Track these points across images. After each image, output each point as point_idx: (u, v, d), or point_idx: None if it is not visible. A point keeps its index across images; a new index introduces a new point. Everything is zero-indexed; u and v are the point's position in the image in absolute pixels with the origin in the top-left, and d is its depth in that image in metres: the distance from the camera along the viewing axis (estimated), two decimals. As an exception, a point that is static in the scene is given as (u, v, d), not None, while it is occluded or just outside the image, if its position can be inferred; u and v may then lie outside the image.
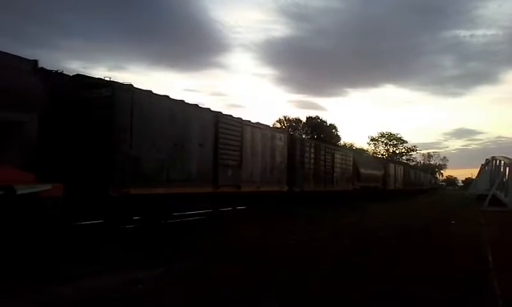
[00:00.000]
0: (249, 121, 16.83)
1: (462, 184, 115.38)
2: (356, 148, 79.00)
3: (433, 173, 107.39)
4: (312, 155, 22.99)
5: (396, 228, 15.79)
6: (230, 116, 15.65)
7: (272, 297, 6.06)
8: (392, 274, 7.76)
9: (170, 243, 10.54)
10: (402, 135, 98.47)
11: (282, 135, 19.73)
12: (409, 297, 6.22)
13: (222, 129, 14.63)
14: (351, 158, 29.78)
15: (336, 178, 26.34)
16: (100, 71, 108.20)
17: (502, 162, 32.07)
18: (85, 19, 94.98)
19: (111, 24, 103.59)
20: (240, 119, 16.25)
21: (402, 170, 49.61)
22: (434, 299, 6.16)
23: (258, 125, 17.53)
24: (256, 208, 17.83)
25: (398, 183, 46.13)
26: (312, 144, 23.80)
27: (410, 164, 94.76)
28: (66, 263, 7.57)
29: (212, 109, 14.40)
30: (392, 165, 44.76)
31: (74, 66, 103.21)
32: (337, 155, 26.90)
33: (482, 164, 50.52)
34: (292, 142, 20.81)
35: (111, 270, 7.21)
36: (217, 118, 14.57)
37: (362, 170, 31.58)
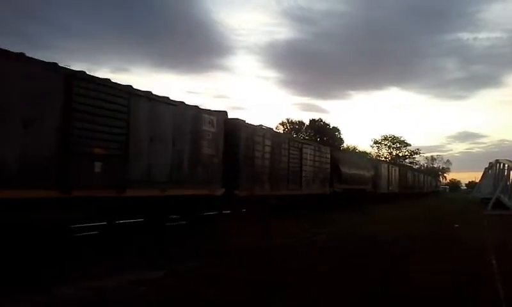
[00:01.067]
0: (148, 92, 11.23)
1: (465, 187, 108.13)
2: (359, 151, 78.60)
3: (436, 176, 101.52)
4: (268, 149, 17.48)
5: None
6: (107, 79, 10.00)
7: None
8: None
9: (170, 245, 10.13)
10: (405, 138, 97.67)
11: (214, 118, 13.91)
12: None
13: (81, 98, 9.12)
14: (328, 155, 24.25)
15: (305, 179, 20.93)
16: (103, 73, 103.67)
17: (506, 165, 31.69)
18: (88, 20, 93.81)
19: (114, 26, 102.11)
20: (129, 86, 10.61)
21: (397, 171, 44.03)
22: (437, 304, 6.00)
23: (166, 100, 11.90)
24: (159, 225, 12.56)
25: (392, 185, 40.96)
26: (268, 134, 17.89)
27: (412, 166, 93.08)
28: (68, 264, 7.40)
29: (61, 65, 8.88)
30: (384, 166, 39.62)
31: (77, 67, 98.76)
32: (307, 151, 21.45)
33: (485, 168, 49.56)
34: (232, 128, 15.24)
35: (114, 272, 6.98)
36: (71, 79, 8.96)
37: (344, 170, 26.04)
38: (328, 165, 23.85)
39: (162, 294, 5.80)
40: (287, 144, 19.38)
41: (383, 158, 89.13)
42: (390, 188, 39.69)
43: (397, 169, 44.47)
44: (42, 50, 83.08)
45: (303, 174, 20.70)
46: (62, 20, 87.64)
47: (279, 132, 23.00)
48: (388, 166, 40.68)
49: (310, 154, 21.73)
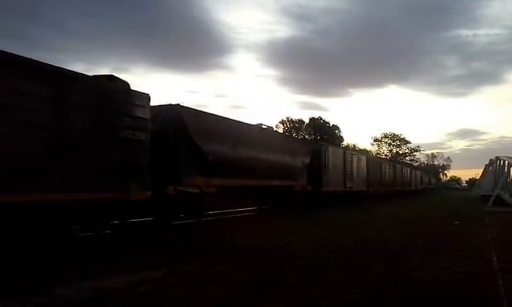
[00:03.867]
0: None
1: (466, 185, 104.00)
2: (359, 149, 74.36)
3: (431, 172, 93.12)
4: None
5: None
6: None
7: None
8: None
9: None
10: (405, 136, 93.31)
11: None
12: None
13: None
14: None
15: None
16: (102, 73, 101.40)
17: (506, 162, 30.35)
18: (87, 21, 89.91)
19: (113, 25, 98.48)
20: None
21: (363, 162, 30.07)
22: (435, 300, 5.72)
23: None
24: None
25: (354, 181, 27.28)
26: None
27: (412, 163, 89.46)
28: (68, 265, 7.23)
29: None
30: (336, 153, 24.80)
31: (77, 68, 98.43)
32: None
33: (486, 164, 47.07)
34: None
35: (115, 272, 6.82)
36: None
37: (211, 147, 13.22)
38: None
39: (163, 294, 5.62)
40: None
41: (383, 156, 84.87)
42: (349, 184, 26.18)
43: (363, 159, 31.29)
44: (42, 51, 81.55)
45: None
46: (61, 20, 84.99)
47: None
48: (344, 153, 26.48)
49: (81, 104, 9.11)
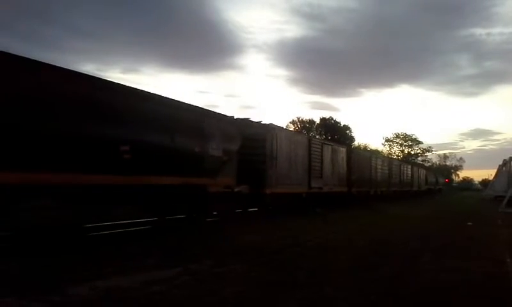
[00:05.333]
0: None
1: (480, 187, 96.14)
2: (371, 149, 72.65)
3: (438, 171, 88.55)
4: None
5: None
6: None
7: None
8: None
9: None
10: (417, 136, 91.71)
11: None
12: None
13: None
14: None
15: None
16: (113, 74, 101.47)
17: None
18: (98, 21, 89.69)
19: (124, 26, 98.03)
20: None
21: (342, 155, 23.15)
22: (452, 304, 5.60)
23: None
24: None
25: (325, 179, 20.54)
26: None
27: (423, 163, 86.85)
28: (81, 264, 7.01)
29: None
30: (294, 140, 18.02)
31: (88, 68, 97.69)
32: None
33: (499, 165, 43.46)
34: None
35: (128, 271, 6.65)
36: None
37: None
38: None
39: (176, 293, 5.47)
40: None
41: (395, 157, 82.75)
42: (316, 184, 19.56)
43: (341, 151, 23.41)
44: (53, 52, 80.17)
45: None
46: (72, 21, 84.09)
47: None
48: (309, 142, 19.31)
49: None
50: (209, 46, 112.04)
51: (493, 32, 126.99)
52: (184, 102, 11.44)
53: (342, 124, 68.88)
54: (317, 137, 56.14)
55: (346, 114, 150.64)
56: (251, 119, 15.77)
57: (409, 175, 42.51)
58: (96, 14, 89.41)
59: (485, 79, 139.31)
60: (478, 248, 10.02)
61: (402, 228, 14.40)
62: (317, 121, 68.60)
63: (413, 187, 43.83)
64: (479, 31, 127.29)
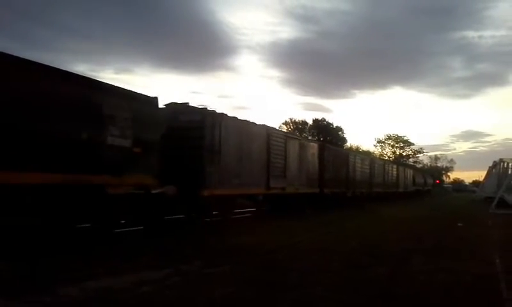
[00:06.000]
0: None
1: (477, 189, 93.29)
2: (363, 151, 72.04)
3: (429, 172, 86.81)
4: None
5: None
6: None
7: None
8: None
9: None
10: (409, 138, 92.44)
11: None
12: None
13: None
14: None
15: None
16: (106, 74, 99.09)
17: (510, 164, 30.83)
18: (91, 21, 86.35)
19: (117, 26, 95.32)
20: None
21: (312, 151, 20.20)
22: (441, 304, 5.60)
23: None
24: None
25: (290, 179, 17.38)
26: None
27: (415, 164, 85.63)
28: (72, 265, 6.86)
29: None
30: (246, 130, 14.58)
31: (81, 68, 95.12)
32: None
33: (489, 166, 44.70)
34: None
35: (119, 272, 6.51)
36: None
37: None
38: None
39: (167, 294, 5.40)
40: None
41: (387, 158, 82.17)
42: (277, 184, 16.43)
43: (311, 147, 20.43)
44: (46, 52, 76.88)
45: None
46: (64, 21, 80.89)
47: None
48: (269, 137, 16.20)
49: None
50: (203, 47, 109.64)
51: (485, 35, 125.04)
52: (66, 70, 8.38)
53: (335, 125, 68.67)
54: (305, 136, 54.23)
55: (339, 115, 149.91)
56: (189, 104, 12.74)
57: (395, 175, 39.06)
58: (89, 14, 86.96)
59: (477, 81, 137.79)
60: (468, 249, 9.97)
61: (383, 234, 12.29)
62: (310, 122, 68.27)
63: (399, 188, 40.49)
64: (471, 34, 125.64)
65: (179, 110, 12.31)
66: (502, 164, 33.84)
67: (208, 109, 12.68)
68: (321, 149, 21.72)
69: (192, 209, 12.45)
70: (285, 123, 67.91)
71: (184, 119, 12.03)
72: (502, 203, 25.71)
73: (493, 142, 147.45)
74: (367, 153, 72.17)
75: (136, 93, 10.05)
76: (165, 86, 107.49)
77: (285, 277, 6.55)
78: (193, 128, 12.13)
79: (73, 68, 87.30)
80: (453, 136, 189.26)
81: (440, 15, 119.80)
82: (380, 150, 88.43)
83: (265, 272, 6.89)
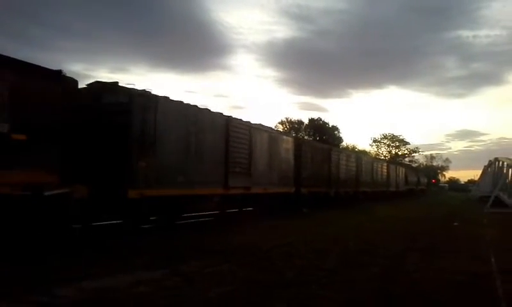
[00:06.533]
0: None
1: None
2: (358, 149, 71.50)
3: (431, 172, 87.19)
4: None
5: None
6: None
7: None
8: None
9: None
10: (404, 137, 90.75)
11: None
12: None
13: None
14: None
15: None
16: (101, 73, 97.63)
17: (505, 163, 30.04)
18: (86, 21, 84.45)
19: (113, 26, 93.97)
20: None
21: (287, 147, 17.88)
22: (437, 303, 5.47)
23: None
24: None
25: (255, 177, 15.03)
26: None
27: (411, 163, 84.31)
28: (68, 265, 6.70)
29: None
30: (200, 117, 12.35)
31: (76, 68, 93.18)
32: None
33: (485, 166, 45.32)
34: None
35: (116, 272, 6.34)
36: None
37: None
38: None
39: (164, 294, 5.27)
40: None
41: (382, 157, 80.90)
42: (235, 183, 13.87)
43: (287, 141, 18.05)
44: (41, 51, 75.13)
45: None
46: (61, 20, 79.58)
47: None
48: (229, 123, 13.90)
49: None
50: (198, 46, 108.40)
51: (480, 35, 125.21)
52: None
53: (331, 125, 68.05)
54: (301, 135, 52.41)
55: (335, 114, 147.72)
56: (117, 83, 10.22)
57: (384, 174, 35.85)
58: (84, 14, 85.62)
59: (472, 81, 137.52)
60: (464, 248, 9.89)
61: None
62: (306, 121, 67.66)
63: (390, 187, 37.47)
64: (466, 33, 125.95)
65: (103, 90, 9.90)
66: (497, 163, 33.57)
67: (137, 89, 10.25)
68: (297, 144, 19.30)
69: (116, 214, 10.05)
70: (281, 123, 67.07)
71: (107, 101, 9.64)
72: (498, 202, 25.44)
73: (488, 142, 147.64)
74: (365, 152, 70.97)
75: (18, 61, 7.59)
76: (161, 85, 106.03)
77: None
78: (118, 113, 9.72)
79: (68, 67, 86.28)
80: (448, 135, 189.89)
81: (435, 15, 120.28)
82: (376, 149, 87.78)
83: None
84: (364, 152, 70.63)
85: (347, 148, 65.21)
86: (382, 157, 79.28)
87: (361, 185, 28.58)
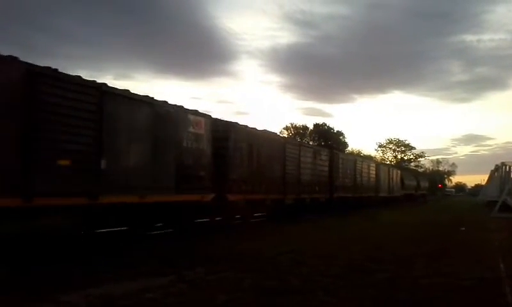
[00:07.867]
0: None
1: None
2: (364, 154, 69.45)
3: (437, 176, 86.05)
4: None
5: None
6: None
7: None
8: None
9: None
10: (410, 142, 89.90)
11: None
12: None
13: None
14: None
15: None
16: (106, 80, 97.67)
17: None
18: (91, 28, 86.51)
19: (117, 32, 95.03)
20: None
21: (201, 133, 11.87)
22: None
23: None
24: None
25: (190, 179, 11.15)
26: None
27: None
28: (74, 272, 6.68)
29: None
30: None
31: (80, 74, 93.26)
32: None
33: (491, 170, 44.20)
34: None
35: (122, 278, 6.30)
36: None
37: None
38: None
39: (170, 301, 5.22)
40: None
41: (388, 162, 79.02)
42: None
43: (199, 122, 11.74)
44: (46, 59, 77.30)
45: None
46: (65, 27, 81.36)
47: None
48: (182, 114, 11.11)
49: None
50: (202, 52, 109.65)
51: (484, 39, 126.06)
52: None
53: (336, 130, 67.20)
54: (306, 141, 52.40)
55: (339, 120, 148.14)
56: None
57: (373, 176, 29.66)
58: (89, 20, 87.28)
59: (476, 85, 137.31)
60: (471, 253, 9.78)
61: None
62: (311, 127, 67.08)
63: (379, 192, 30.99)
64: (470, 38, 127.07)
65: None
66: (504, 167, 32.83)
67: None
68: (224, 132, 13.20)
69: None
70: (286, 128, 66.48)
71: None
72: (505, 207, 25.13)
73: (494, 146, 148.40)
74: (370, 157, 67.34)
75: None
76: (165, 91, 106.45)
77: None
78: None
79: (73, 74, 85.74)
80: (454, 140, 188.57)
81: (439, 20, 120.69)
82: (381, 154, 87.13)
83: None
84: (369, 157, 65.45)
85: (352, 153, 61.12)
86: (388, 162, 76.49)
87: (338, 189, 22.60)
